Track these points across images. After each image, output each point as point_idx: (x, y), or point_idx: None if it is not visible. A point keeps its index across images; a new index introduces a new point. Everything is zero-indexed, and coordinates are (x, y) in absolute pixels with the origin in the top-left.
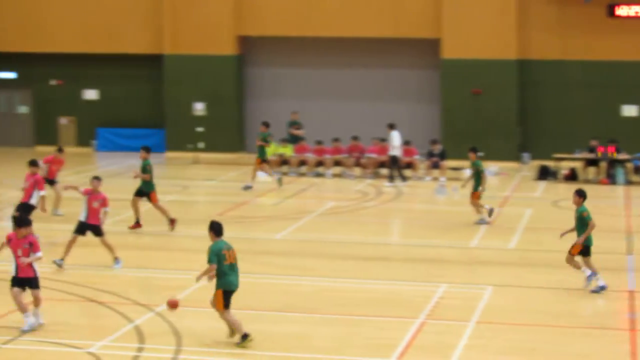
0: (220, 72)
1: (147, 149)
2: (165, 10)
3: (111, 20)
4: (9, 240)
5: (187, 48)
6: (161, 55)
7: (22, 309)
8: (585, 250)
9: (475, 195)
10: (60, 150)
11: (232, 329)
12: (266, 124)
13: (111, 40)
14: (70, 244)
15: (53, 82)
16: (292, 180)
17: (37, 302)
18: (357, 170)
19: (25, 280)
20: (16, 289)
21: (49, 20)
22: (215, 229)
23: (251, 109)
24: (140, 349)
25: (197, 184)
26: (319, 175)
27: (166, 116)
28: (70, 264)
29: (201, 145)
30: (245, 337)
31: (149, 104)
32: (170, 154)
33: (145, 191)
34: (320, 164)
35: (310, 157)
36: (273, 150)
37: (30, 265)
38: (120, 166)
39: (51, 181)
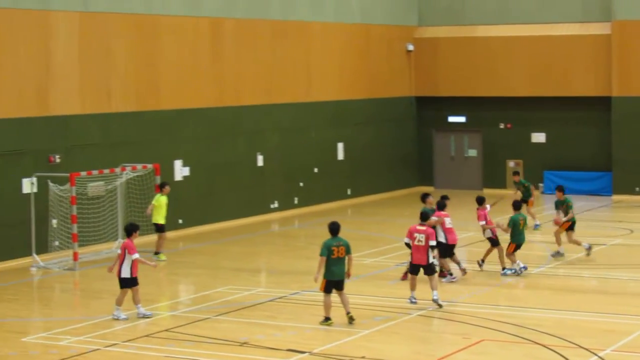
0: None
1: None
2: (614, 53)
3: (559, 64)
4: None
5: (635, 90)
6: (609, 98)
7: (413, 286)
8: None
9: None
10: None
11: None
12: (517, 173)
13: (559, 84)
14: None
15: (502, 126)
16: None
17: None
18: None
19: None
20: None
21: (500, 66)
22: (330, 228)
23: None
24: None
25: None
26: None
27: (613, 159)
28: (510, 305)
29: None
30: (326, 319)
31: (596, 146)
32: (617, 197)
33: None
34: None
35: None
36: None
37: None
38: None
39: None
